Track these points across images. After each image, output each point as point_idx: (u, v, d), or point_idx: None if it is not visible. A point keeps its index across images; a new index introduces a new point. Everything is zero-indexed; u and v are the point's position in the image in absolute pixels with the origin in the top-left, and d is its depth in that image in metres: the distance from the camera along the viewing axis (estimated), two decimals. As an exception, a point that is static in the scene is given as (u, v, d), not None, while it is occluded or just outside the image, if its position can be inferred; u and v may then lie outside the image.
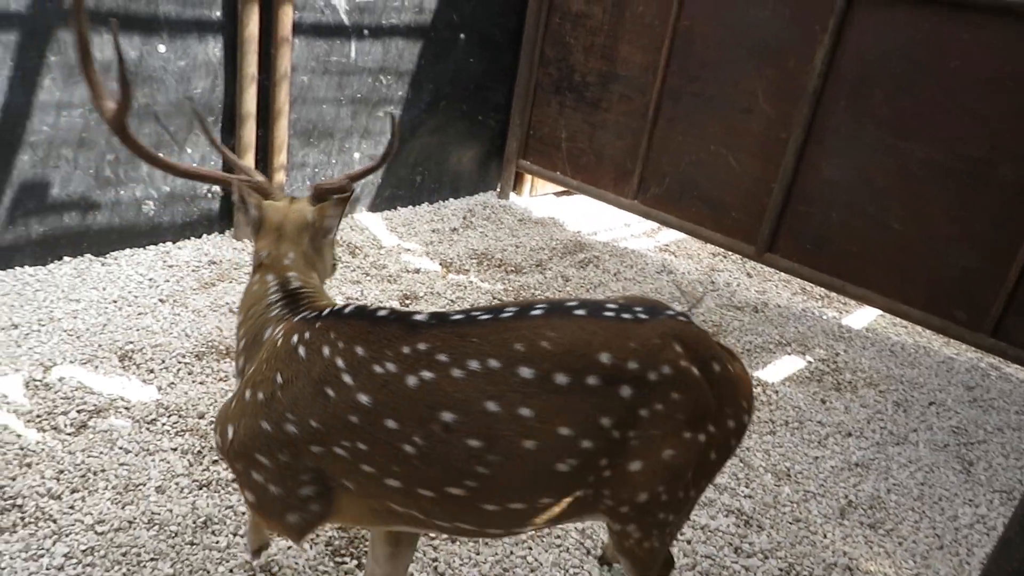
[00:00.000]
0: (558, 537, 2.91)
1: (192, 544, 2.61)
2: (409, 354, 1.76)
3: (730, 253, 5.83)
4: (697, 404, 1.83)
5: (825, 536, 3.14)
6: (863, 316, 5.26)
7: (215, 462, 2.98)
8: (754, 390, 2.05)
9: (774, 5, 4.68)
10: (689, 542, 2.98)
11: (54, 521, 2.60)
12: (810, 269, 4.80)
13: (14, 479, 2.73)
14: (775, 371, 4.32)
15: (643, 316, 1.86)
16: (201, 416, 3.20)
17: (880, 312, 5.20)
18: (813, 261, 4.79)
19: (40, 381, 3.24)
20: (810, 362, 4.47)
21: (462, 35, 5.60)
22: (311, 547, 2.67)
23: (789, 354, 4.53)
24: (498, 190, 6.42)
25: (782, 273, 5.43)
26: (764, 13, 4.72)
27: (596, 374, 1.74)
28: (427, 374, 1.74)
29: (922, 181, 4.31)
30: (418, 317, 1.85)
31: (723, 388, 1.91)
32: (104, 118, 2.19)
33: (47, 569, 2.43)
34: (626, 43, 5.42)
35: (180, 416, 3.19)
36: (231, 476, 2.93)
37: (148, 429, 3.09)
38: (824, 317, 5.12)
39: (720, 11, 4.92)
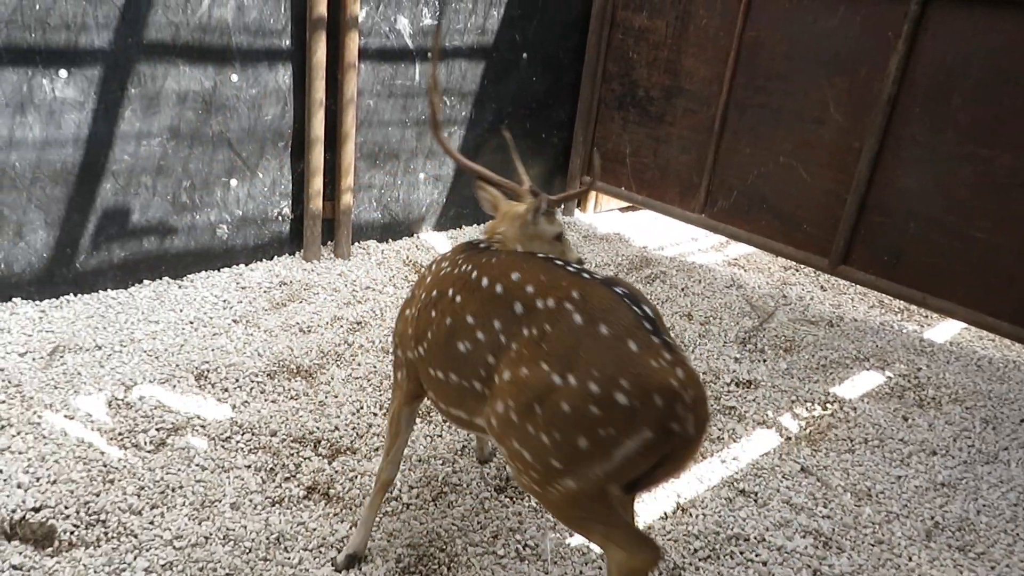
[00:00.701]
0: (629, 557, 2.85)
1: (265, 560, 2.65)
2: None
3: (802, 266, 5.67)
4: (561, 344, 1.98)
5: (910, 559, 2.99)
6: (946, 329, 5.04)
7: (287, 479, 3.03)
8: (704, 390, 2.00)
9: (843, 13, 4.57)
10: (765, 563, 2.88)
11: (135, 536, 2.68)
12: (887, 281, 4.63)
13: (98, 495, 2.83)
14: (853, 387, 4.17)
15: (586, 274, 2.18)
16: (273, 434, 3.26)
17: (965, 325, 4.97)
18: (890, 273, 4.62)
19: (122, 400, 3.36)
20: (890, 377, 4.29)
21: (524, 55, 5.63)
22: (382, 563, 2.68)
23: (867, 369, 4.37)
24: (562, 207, 6.41)
25: (858, 286, 5.26)
26: (833, 22, 4.61)
27: (519, 299, 2.14)
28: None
29: (1008, 190, 4.12)
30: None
31: (592, 349, 1.95)
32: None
33: (128, 583, 2.50)
34: (690, 56, 5.36)
35: (253, 434, 3.25)
36: (302, 494, 2.97)
37: (223, 447, 3.17)
38: (904, 331, 4.93)
39: (787, 22, 4.82)
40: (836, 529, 3.10)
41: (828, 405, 3.97)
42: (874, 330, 4.87)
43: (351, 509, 2.91)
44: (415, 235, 5.53)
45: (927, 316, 5.19)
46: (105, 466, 2.97)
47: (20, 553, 2.54)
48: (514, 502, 3.05)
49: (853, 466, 3.50)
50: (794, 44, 4.82)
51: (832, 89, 4.68)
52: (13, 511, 2.69)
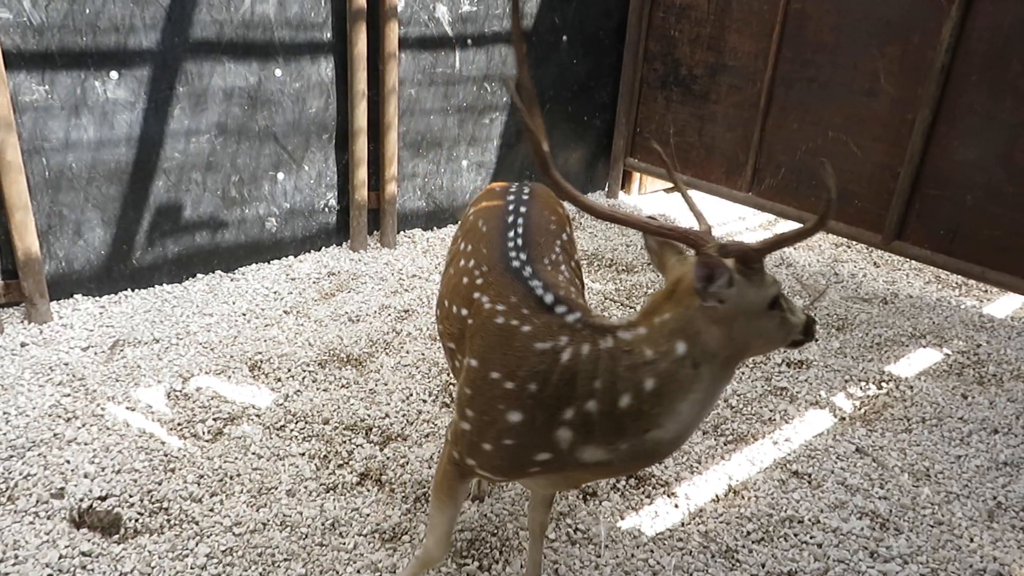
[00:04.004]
0: (680, 540, 2.84)
1: (321, 545, 2.71)
2: None
3: (854, 243, 5.54)
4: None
5: (971, 540, 2.92)
6: (1006, 304, 4.88)
7: (340, 466, 3.09)
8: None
9: (892, -21, 4.42)
10: (820, 545, 2.85)
11: (196, 523, 2.76)
12: (944, 256, 4.50)
13: (160, 484, 2.92)
14: (909, 365, 4.07)
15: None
16: (326, 422, 3.32)
17: (1026, 299, 4.82)
18: (947, 247, 4.48)
19: (180, 391, 3.45)
20: (948, 355, 4.18)
21: (564, 37, 5.59)
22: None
23: (924, 347, 4.26)
24: (607, 189, 6.36)
25: (912, 262, 5.13)
26: (881, -12, 4.47)
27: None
28: None
29: (1070, 156, 3.96)
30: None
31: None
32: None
33: (191, 569, 2.58)
34: (734, 32, 5.26)
35: (307, 422, 3.32)
36: (355, 480, 3.02)
37: (278, 435, 3.24)
38: (962, 307, 4.79)
39: (833, -10, 4.69)
40: (893, 510, 3.04)
41: (883, 384, 3.88)
42: (930, 306, 4.75)
43: (403, 495, 2.96)
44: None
45: (987, 291, 5.03)
46: (166, 455, 3.06)
47: (88, 540, 2.65)
48: (565, 495, 3.05)
49: (910, 446, 3.43)
50: (842, 14, 4.69)
51: (883, 59, 4.54)
52: (81, 500, 2.80)
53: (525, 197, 2.45)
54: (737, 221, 6.09)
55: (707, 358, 1.78)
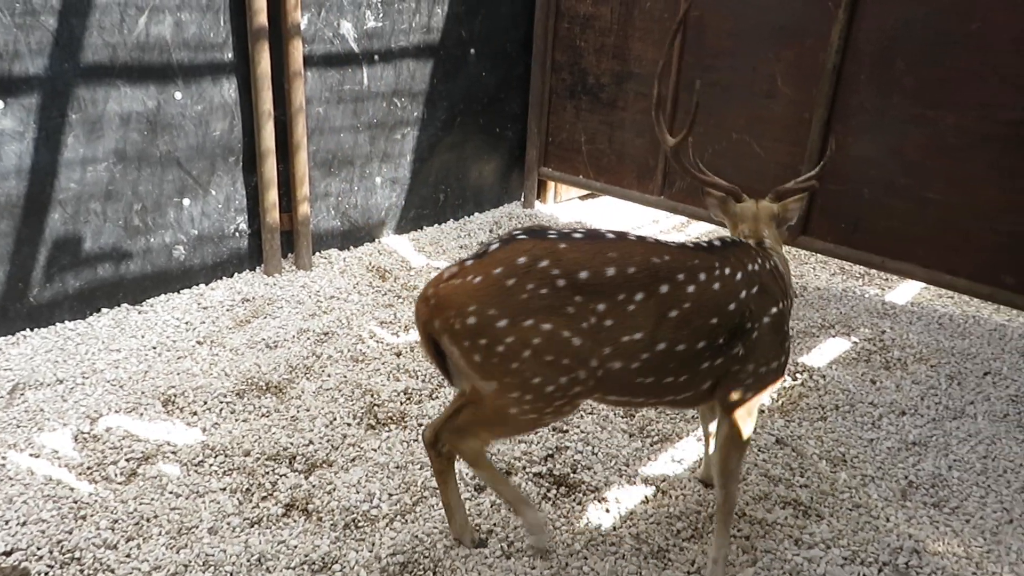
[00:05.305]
0: (613, 544, 2.86)
1: (248, 582, 2.62)
2: None
3: (763, 240, 5.72)
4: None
5: (888, 520, 3.04)
6: (907, 291, 5.12)
7: (264, 498, 3.00)
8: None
9: (783, -14, 4.60)
10: (747, 537, 2.91)
11: (112, 571, 2.63)
12: (847, 248, 4.70)
13: (71, 532, 2.77)
14: (820, 355, 4.22)
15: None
16: (247, 453, 3.22)
17: (924, 285, 5.07)
18: (849, 240, 4.68)
19: (88, 433, 3.29)
20: (856, 343, 4.36)
21: (472, 50, 5.60)
22: (366, 575, 2.66)
23: (833, 336, 4.43)
24: (522, 200, 6.40)
25: (818, 255, 5.33)
26: (773, -5, 4.65)
27: None
28: None
29: (958, 149, 4.19)
30: None
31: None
32: (665, 148, 3.06)
33: (108, 619, 2.45)
34: (637, 40, 5.38)
35: (226, 455, 3.21)
36: (281, 512, 2.93)
37: (196, 471, 3.12)
38: (866, 296, 5.00)
39: (728, -2, 4.85)
40: (814, 497, 3.14)
41: (798, 375, 4.02)
42: (837, 297, 4.94)
43: (332, 523, 2.89)
44: (376, 240, 5.49)
45: (888, 279, 5.28)
46: (76, 502, 2.91)
47: (-6, 599, 2.49)
48: (496, 501, 3.04)
49: (826, 433, 3.55)
50: (738, 20, 4.85)
51: (779, 63, 4.72)
52: (-17, 557, 2.63)
53: (552, 234, 2.43)
54: (651, 224, 6.21)
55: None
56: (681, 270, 2.40)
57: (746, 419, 2.61)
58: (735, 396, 2.57)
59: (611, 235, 2.43)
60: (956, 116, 4.17)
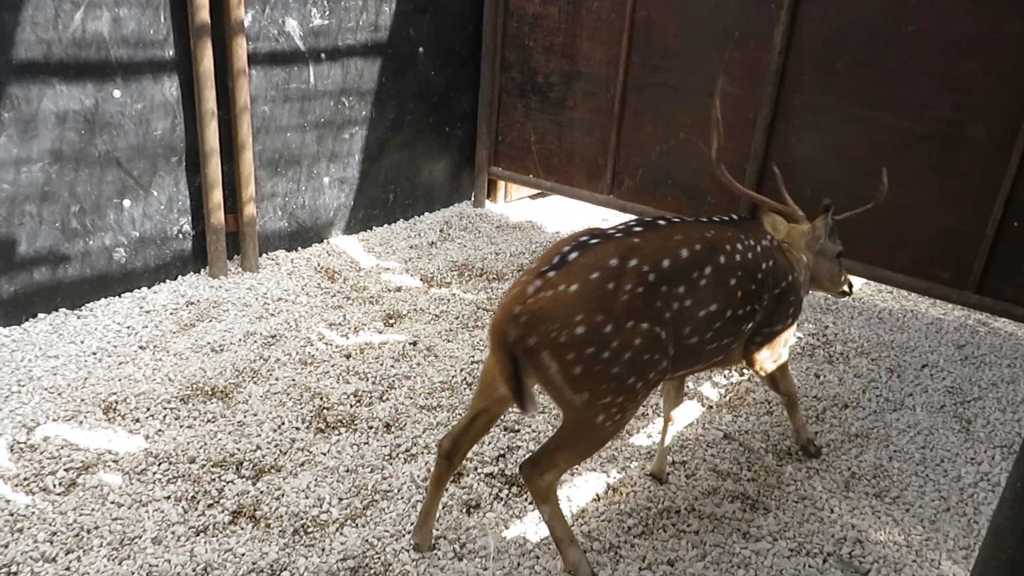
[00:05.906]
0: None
1: (194, 592, 2.56)
2: None
3: (710, 238, 5.80)
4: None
5: (832, 511, 3.12)
6: (849, 286, 5.25)
7: (210, 506, 2.94)
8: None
9: (727, -13, 4.68)
10: (697, 532, 2.95)
11: (50, 584, 2.55)
12: (791, 245, 4.79)
13: (6, 546, 2.67)
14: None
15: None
16: (192, 461, 3.15)
17: (864, 280, 5.20)
18: (793, 237, 4.77)
19: (24, 443, 3.18)
20: (800, 338, 4.45)
21: (421, 49, 5.57)
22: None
23: (779, 333, 4.51)
24: (472, 199, 6.39)
25: (764, 252, 5.42)
26: (718, -4, 4.72)
27: None
28: None
29: (895, 149, 4.31)
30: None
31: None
32: (714, 168, 3.33)
33: (47, 635, 2.37)
34: (585, 40, 5.40)
35: (171, 463, 3.13)
36: (227, 520, 2.88)
37: (139, 480, 3.04)
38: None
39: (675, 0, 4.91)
40: (761, 491, 3.20)
41: (744, 371, 4.09)
42: (783, 293, 5.04)
43: (280, 529, 2.84)
44: (325, 241, 5.42)
45: (831, 275, 5.40)
46: (12, 515, 2.81)
47: (-76, 619, 2.39)
48: (448, 502, 3.03)
49: (772, 427, 3.62)
50: (684, 21, 4.92)
51: (724, 63, 4.79)
52: (-88, 575, 2.52)
53: (593, 240, 2.46)
54: (601, 223, 6.25)
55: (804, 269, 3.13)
56: (726, 241, 2.63)
57: (775, 359, 3.07)
58: (762, 349, 2.97)
59: (662, 222, 2.57)
60: (894, 116, 4.29)
